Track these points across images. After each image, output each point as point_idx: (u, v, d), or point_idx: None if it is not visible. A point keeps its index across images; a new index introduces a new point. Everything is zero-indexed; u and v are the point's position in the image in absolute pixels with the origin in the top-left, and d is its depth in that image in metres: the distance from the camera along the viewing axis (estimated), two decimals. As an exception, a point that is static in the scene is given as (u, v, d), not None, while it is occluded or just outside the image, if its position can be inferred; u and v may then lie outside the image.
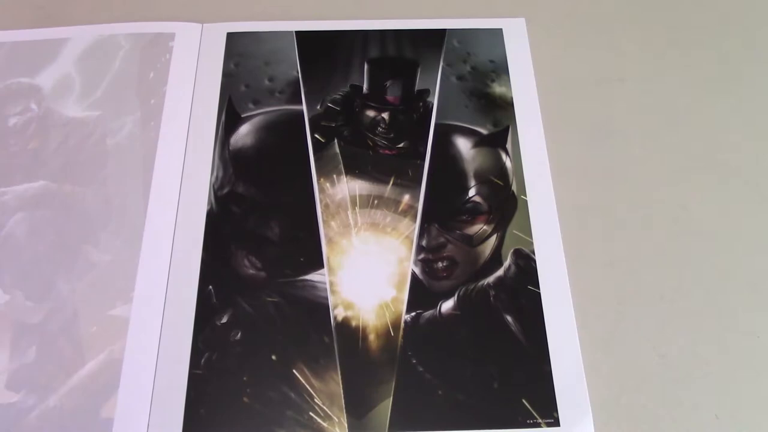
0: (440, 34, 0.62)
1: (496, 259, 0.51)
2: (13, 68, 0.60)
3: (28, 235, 0.52)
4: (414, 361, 0.46)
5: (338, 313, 0.49)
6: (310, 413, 0.45)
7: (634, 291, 0.49)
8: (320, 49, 0.61)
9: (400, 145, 0.56)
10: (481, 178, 0.54)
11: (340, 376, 0.46)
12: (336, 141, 0.56)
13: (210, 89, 0.59)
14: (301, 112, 0.57)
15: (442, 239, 0.51)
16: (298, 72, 0.60)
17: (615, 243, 0.51)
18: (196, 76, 0.59)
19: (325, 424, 0.44)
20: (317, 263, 0.50)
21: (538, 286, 0.49)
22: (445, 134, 0.56)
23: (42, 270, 0.50)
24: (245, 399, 0.45)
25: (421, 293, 0.49)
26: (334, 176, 0.54)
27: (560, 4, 0.65)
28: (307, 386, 0.46)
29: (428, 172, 0.54)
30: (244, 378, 0.46)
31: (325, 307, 0.49)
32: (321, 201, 0.53)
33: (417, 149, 0.56)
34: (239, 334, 0.48)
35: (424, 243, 0.51)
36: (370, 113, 0.58)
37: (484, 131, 0.56)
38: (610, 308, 0.49)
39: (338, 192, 0.54)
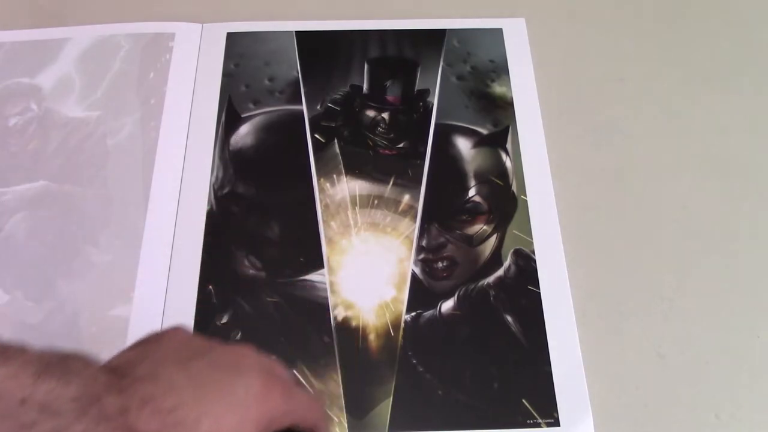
0: (440, 34, 0.62)
1: (496, 259, 0.51)
2: (13, 68, 0.60)
3: (28, 235, 0.52)
4: (414, 361, 0.46)
5: (338, 313, 0.48)
6: (310, 413, 0.44)
7: (634, 291, 0.49)
8: (320, 49, 0.61)
9: (400, 145, 0.56)
10: (481, 178, 0.54)
11: (340, 376, 0.46)
12: (336, 141, 0.56)
13: (210, 89, 0.59)
14: (301, 112, 0.57)
15: (442, 239, 0.51)
16: (298, 72, 0.60)
17: (615, 243, 0.51)
18: (196, 76, 0.59)
19: (325, 424, 0.44)
20: (317, 263, 0.50)
21: (538, 286, 0.49)
22: (445, 134, 0.56)
23: (42, 270, 0.50)
24: (245, 399, 0.45)
25: (421, 293, 0.49)
26: (334, 176, 0.54)
27: (560, 4, 0.65)
28: (307, 386, 0.46)
29: (428, 172, 0.54)
30: (244, 378, 0.46)
31: (325, 307, 0.49)
32: (321, 201, 0.53)
33: (417, 149, 0.55)
34: (239, 334, 0.48)
35: (424, 243, 0.51)
36: (370, 113, 0.58)
37: (484, 131, 0.56)
38: (610, 308, 0.49)
39: (338, 192, 0.54)
